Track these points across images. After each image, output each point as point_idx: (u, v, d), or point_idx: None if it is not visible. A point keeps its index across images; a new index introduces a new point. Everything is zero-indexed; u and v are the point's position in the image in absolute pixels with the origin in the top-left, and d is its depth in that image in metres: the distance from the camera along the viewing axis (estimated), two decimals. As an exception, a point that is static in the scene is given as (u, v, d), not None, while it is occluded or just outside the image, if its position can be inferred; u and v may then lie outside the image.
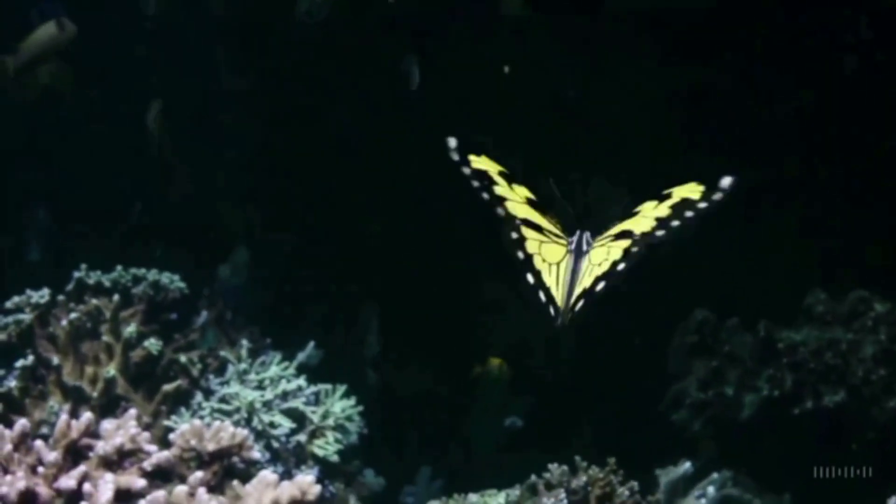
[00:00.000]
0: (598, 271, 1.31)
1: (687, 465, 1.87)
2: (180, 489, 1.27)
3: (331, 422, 1.91)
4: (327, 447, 1.89)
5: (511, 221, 1.33)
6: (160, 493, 1.26)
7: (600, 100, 2.43)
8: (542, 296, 1.32)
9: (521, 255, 1.33)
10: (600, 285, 1.30)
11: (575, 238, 1.34)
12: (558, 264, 1.33)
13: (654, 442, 2.25)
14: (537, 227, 1.34)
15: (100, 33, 2.27)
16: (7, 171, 2.53)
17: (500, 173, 1.34)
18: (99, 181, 2.51)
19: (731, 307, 2.33)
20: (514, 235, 1.33)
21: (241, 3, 2.53)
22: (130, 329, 1.91)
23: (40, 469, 1.26)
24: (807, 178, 2.41)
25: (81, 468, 1.27)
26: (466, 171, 1.32)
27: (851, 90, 2.39)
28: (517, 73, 2.42)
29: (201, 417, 1.81)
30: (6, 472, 1.24)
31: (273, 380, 1.92)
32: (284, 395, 1.89)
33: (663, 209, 1.30)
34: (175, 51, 2.44)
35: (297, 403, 1.89)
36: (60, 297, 1.96)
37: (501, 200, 1.33)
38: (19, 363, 1.84)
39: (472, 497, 1.82)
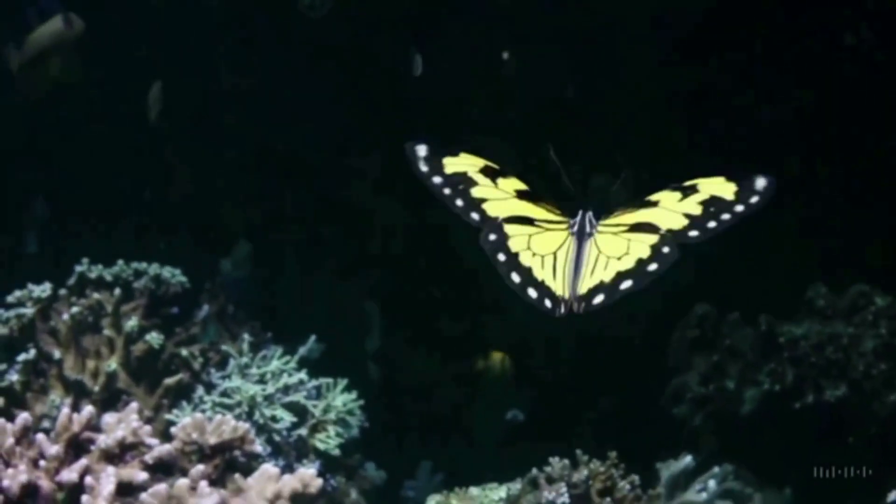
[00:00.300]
0: (620, 266, 1.23)
1: (688, 459, 1.87)
2: (182, 482, 1.27)
3: (332, 416, 1.91)
4: (329, 441, 1.89)
5: (489, 224, 1.26)
6: (162, 487, 1.26)
7: (600, 97, 2.43)
8: (531, 293, 1.24)
9: (502, 256, 1.25)
10: (625, 284, 1.22)
11: (577, 219, 1.27)
12: (555, 252, 1.25)
13: (654, 436, 2.26)
14: (528, 221, 1.27)
15: (99, 33, 2.27)
16: (7, 171, 2.53)
17: (483, 170, 1.28)
18: (99, 180, 2.51)
19: (732, 301, 2.33)
20: (493, 237, 1.25)
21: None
22: (132, 323, 1.92)
23: (42, 462, 1.26)
24: (807, 177, 2.40)
25: (83, 461, 1.27)
26: (437, 180, 1.26)
27: (851, 90, 2.39)
28: (516, 66, 2.41)
29: (203, 411, 1.81)
30: (8, 465, 1.24)
31: (274, 374, 1.92)
32: (286, 389, 1.90)
33: (692, 205, 1.23)
34: (175, 51, 2.43)
35: (298, 397, 1.89)
36: (62, 291, 1.96)
37: (478, 204, 1.27)
38: (21, 357, 1.84)
39: (474, 490, 1.82)
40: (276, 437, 1.85)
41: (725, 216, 1.22)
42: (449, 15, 2.42)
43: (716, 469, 1.90)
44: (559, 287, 1.24)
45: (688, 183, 1.25)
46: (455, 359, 2.56)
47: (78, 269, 2.01)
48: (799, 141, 2.42)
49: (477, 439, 2.51)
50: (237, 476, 1.36)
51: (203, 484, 1.28)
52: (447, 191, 1.27)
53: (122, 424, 1.32)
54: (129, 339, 1.90)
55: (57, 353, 1.86)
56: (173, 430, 1.44)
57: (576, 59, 2.43)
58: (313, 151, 2.57)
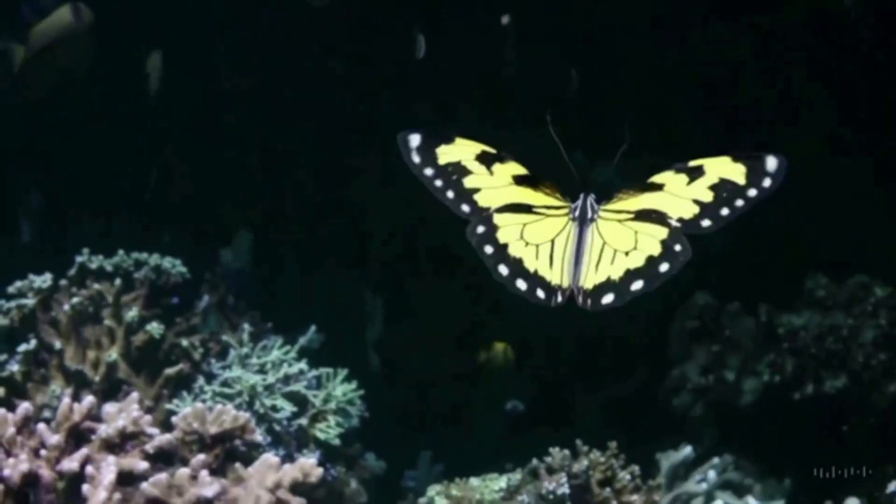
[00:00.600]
0: (629, 263, 1.18)
1: (688, 450, 1.87)
2: (182, 472, 1.27)
3: (332, 405, 1.91)
4: (329, 431, 1.89)
5: (478, 216, 1.22)
6: (162, 476, 1.26)
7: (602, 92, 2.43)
8: (520, 284, 1.20)
9: (489, 249, 1.21)
10: (636, 285, 1.18)
11: (578, 203, 1.23)
12: (553, 240, 1.21)
13: (655, 426, 2.26)
14: (525, 208, 1.23)
15: (99, 33, 2.26)
16: (7, 171, 2.53)
17: (480, 156, 1.24)
18: (99, 180, 2.51)
19: (732, 291, 2.33)
20: (480, 230, 1.22)
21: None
22: (132, 313, 1.92)
23: (43, 452, 1.26)
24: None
25: (84, 451, 1.27)
26: (429, 172, 1.24)
27: (851, 88, 2.40)
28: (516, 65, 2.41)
29: (203, 401, 1.82)
30: (9, 454, 1.24)
31: (275, 364, 1.92)
32: (286, 379, 1.90)
33: (702, 190, 1.18)
34: (175, 50, 2.43)
35: (298, 387, 1.89)
36: (63, 282, 1.96)
37: (470, 195, 1.23)
38: (22, 347, 1.85)
39: (474, 481, 1.83)
40: (277, 427, 1.85)
41: (739, 202, 1.17)
42: (449, 14, 2.42)
43: (715, 460, 1.90)
44: (556, 276, 1.21)
45: (693, 163, 1.20)
46: (456, 349, 2.56)
47: (78, 259, 2.01)
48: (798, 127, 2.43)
49: (477, 430, 2.52)
50: (238, 465, 1.37)
51: (204, 473, 1.28)
52: (438, 182, 1.24)
53: (122, 414, 1.32)
54: (130, 330, 1.91)
55: (58, 344, 1.86)
56: (174, 419, 1.44)
57: (576, 56, 2.43)
58: (313, 151, 2.57)
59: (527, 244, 1.22)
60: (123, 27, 2.26)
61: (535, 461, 1.76)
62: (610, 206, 1.23)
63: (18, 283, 1.94)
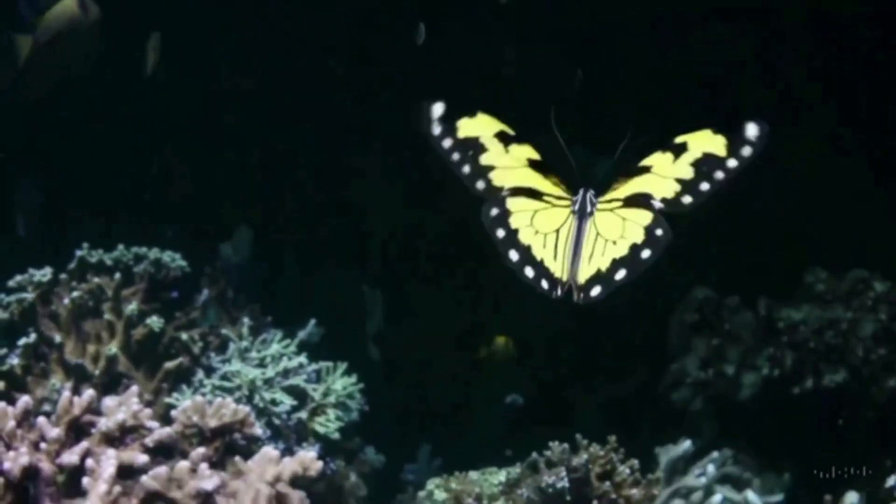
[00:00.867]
0: (615, 253, 1.18)
1: (687, 444, 1.87)
2: (182, 465, 1.28)
3: (332, 399, 1.91)
4: (328, 424, 1.89)
5: (494, 195, 1.22)
6: (162, 469, 1.26)
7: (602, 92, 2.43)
8: (528, 272, 1.19)
9: (501, 232, 1.21)
10: (620, 274, 1.17)
11: (578, 197, 1.22)
12: (557, 231, 1.20)
13: (654, 420, 2.26)
14: (535, 194, 1.22)
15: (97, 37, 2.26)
16: (6, 169, 2.53)
17: (498, 134, 1.24)
18: (99, 180, 2.51)
19: (731, 285, 2.34)
20: (494, 212, 1.21)
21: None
22: (132, 307, 1.92)
23: (43, 445, 1.26)
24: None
25: (84, 444, 1.27)
26: (447, 143, 1.23)
27: (851, 88, 2.40)
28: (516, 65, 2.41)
29: (203, 395, 1.81)
30: (9, 448, 1.24)
31: (274, 357, 1.92)
32: (285, 373, 1.90)
33: (683, 167, 1.17)
34: (175, 50, 2.43)
35: (298, 381, 1.89)
36: (62, 276, 1.97)
37: (485, 172, 1.23)
38: (22, 341, 1.84)
39: (473, 475, 1.83)
40: (276, 421, 1.86)
41: (718, 174, 1.16)
42: (450, 13, 2.41)
43: (715, 454, 1.90)
44: (558, 269, 1.20)
45: (677, 140, 1.19)
46: (456, 344, 2.56)
47: (78, 253, 2.01)
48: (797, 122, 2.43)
49: (477, 423, 2.52)
50: (237, 459, 1.37)
51: (203, 466, 1.28)
52: (456, 156, 1.23)
53: (122, 408, 1.32)
54: (130, 324, 1.91)
55: (57, 338, 1.87)
56: (174, 413, 1.44)
57: (576, 56, 2.43)
58: (313, 151, 2.57)
59: (536, 232, 1.21)
60: (124, 27, 2.26)
61: (534, 455, 1.77)
62: (605, 198, 1.22)
63: (18, 277, 1.94)
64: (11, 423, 1.26)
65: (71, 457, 1.25)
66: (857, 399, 2.23)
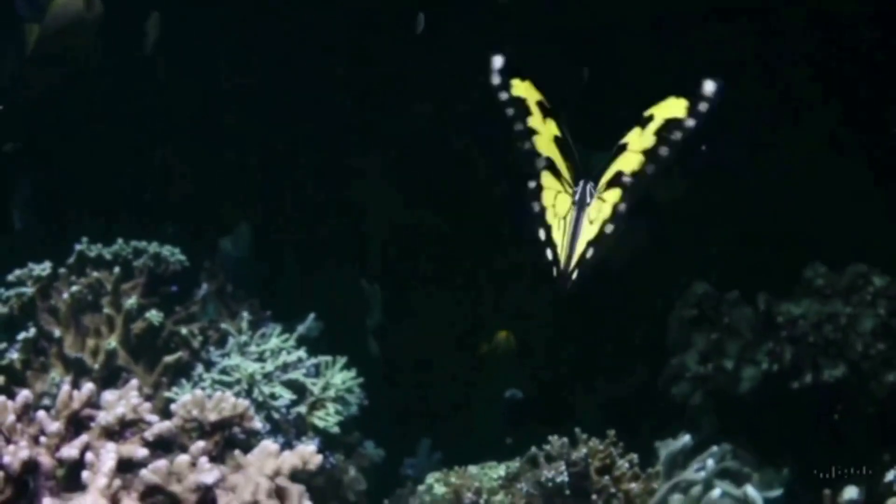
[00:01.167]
0: (589, 234, 1.20)
1: (686, 438, 1.87)
2: (182, 458, 1.27)
3: (331, 393, 1.91)
4: (328, 418, 1.89)
5: (536, 159, 1.22)
6: (162, 463, 1.26)
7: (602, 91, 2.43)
8: (549, 254, 1.20)
9: (536, 207, 1.22)
10: (590, 252, 1.19)
11: (579, 188, 1.23)
12: (564, 218, 1.21)
13: (653, 415, 2.26)
14: (557, 174, 1.22)
15: (99, 32, 2.26)
16: (6, 171, 2.53)
17: (539, 103, 1.23)
18: (99, 180, 2.51)
19: (732, 285, 2.34)
20: (534, 184, 1.22)
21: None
22: (131, 301, 1.92)
23: (42, 439, 1.26)
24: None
25: (83, 438, 1.27)
26: (504, 96, 1.22)
27: (851, 88, 2.40)
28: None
29: (202, 389, 1.82)
30: (9, 442, 1.24)
31: (273, 351, 1.92)
32: (285, 367, 1.90)
33: (648, 138, 1.18)
34: (175, 50, 2.43)
35: (297, 375, 1.89)
36: (62, 270, 1.97)
37: (531, 135, 1.22)
38: (21, 336, 1.85)
39: (473, 469, 1.83)
40: (276, 415, 1.86)
41: (676, 135, 1.16)
42: (450, 13, 2.41)
43: (714, 448, 1.90)
44: (563, 257, 1.21)
45: (646, 113, 1.20)
46: (457, 341, 2.56)
47: (77, 247, 2.01)
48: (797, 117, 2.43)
49: (477, 419, 2.52)
50: (237, 452, 1.37)
51: (203, 460, 1.28)
52: (511, 111, 1.23)
53: (122, 401, 1.32)
54: (129, 318, 1.91)
55: (57, 332, 1.87)
56: (173, 407, 1.44)
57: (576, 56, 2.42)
58: (313, 151, 2.57)
59: (555, 215, 1.22)
60: (124, 27, 2.26)
61: (534, 449, 1.77)
62: (600, 185, 1.23)
63: (18, 272, 1.95)
64: (11, 418, 1.26)
65: (70, 451, 1.25)
66: (856, 394, 2.23)
